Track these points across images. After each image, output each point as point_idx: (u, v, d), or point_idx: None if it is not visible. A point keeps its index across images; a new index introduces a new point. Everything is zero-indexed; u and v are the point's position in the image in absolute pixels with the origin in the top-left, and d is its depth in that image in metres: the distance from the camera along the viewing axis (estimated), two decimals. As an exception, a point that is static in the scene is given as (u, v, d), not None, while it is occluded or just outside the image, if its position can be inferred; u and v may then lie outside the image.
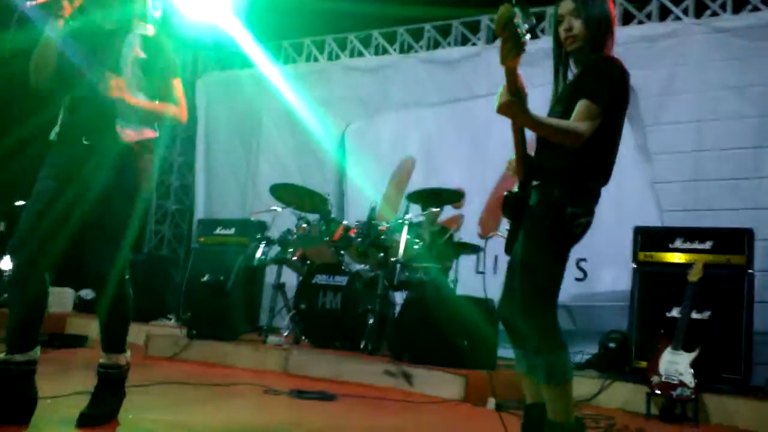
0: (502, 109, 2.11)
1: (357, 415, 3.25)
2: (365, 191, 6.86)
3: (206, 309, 4.96)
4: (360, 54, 7.57)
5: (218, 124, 8.18)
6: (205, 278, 6.21)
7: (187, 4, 6.79)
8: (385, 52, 7.43)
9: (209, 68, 8.50)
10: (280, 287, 4.93)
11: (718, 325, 4.16)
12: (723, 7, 5.74)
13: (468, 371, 3.78)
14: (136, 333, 6.14)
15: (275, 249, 5.15)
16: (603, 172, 2.33)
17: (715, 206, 5.43)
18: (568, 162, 2.28)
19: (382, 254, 4.49)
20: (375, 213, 4.74)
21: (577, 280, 5.58)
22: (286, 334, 4.86)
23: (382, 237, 4.52)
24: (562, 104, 2.34)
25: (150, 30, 2.61)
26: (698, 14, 5.87)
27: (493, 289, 5.56)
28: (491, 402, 3.61)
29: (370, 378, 3.95)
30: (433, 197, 4.66)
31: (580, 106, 2.19)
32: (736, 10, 5.68)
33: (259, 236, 5.24)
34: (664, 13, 6.12)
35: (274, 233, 5.25)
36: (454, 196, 4.93)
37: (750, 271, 4.23)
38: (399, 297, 4.98)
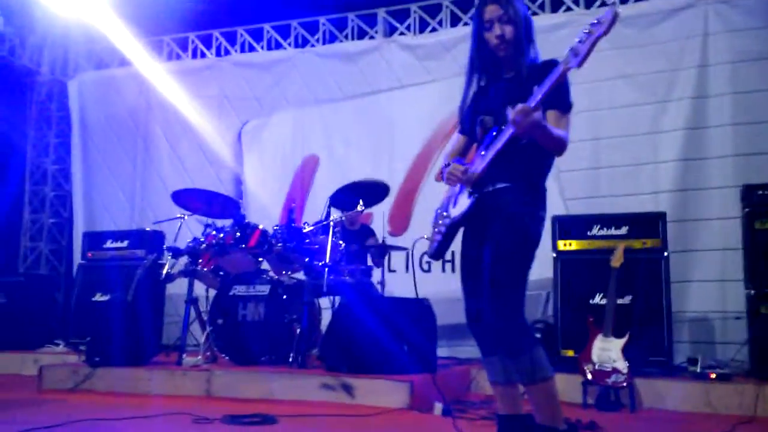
0: (531, 127, 2.08)
1: (305, 437, 3.00)
2: (265, 193, 6.57)
3: (106, 332, 4.45)
4: (252, 49, 7.20)
5: (96, 128, 7.50)
6: (99, 297, 5.70)
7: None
8: (278, 46, 7.11)
9: (83, 68, 7.76)
10: (193, 302, 4.52)
11: (640, 309, 4.27)
12: (613, -3, 5.96)
13: (411, 376, 3.63)
14: (22, 363, 5.52)
15: (182, 261, 4.73)
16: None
17: (615, 192, 5.64)
18: (530, 165, 2.33)
19: (307, 258, 4.22)
20: (294, 215, 4.46)
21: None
22: (203, 353, 4.46)
23: (307, 240, 4.25)
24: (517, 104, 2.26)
25: None
26: (588, 5, 6.06)
27: (422, 287, 5.51)
28: (438, 407, 3.48)
29: (307, 394, 3.70)
30: (359, 194, 4.44)
31: (555, 117, 2.23)
32: (624, 0, 5.92)
33: (165, 247, 4.78)
34: (556, 5, 6.27)
35: (181, 244, 4.81)
36: (381, 189, 4.73)
37: (666, 253, 4.39)
38: (323, 302, 4.73)
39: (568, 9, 6.10)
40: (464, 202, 2.34)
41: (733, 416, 3.55)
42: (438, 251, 2.44)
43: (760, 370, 3.87)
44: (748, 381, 3.81)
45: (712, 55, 5.45)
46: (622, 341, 3.94)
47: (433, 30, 6.50)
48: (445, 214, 2.43)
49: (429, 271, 5.69)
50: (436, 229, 2.44)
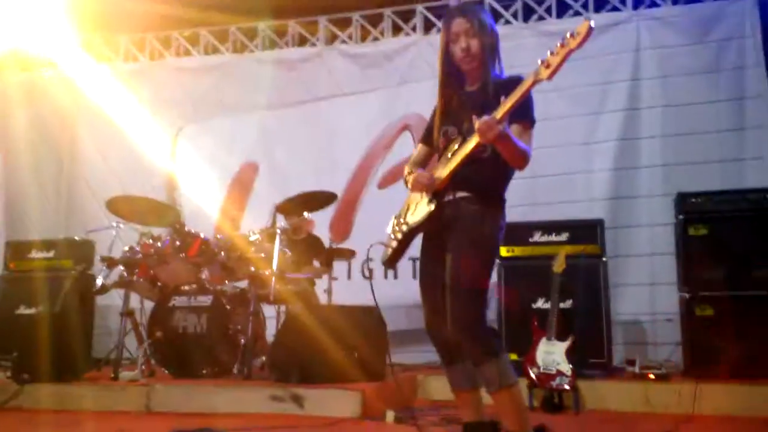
0: (496, 138, 2.09)
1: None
2: (202, 200, 6.39)
3: (33, 346, 4.20)
4: (187, 53, 7.02)
5: (17, 133, 7.08)
6: (23, 310, 5.37)
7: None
8: (215, 51, 6.95)
9: (6, 68, 7.35)
10: (129, 314, 4.32)
11: (581, 313, 4.36)
12: (549, 11, 6.13)
13: (362, 385, 3.58)
14: (-61, 383, 5.12)
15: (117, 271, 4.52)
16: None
17: (551, 200, 5.78)
18: (493, 174, 2.35)
19: (252, 268, 4.11)
20: (239, 222, 4.35)
21: (416, 279, 5.59)
22: (140, 367, 4.26)
23: (252, 249, 4.15)
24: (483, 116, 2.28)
25: None
26: (526, 18, 6.22)
27: (365, 294, 5.42)
28: (390, 415, 3.44)
29: (254, 406, 3.59)
30: (306, 203, 4.37)
31: (519, 131, 2.27)
32: (560, 14, 6.10)
33: (99, 257, 4.55)
34: (494, 18, 6.39)
35: (115, 253, 4.59)
36: (329, 199, 4.66)
37: (604, 259, 4.52)
38: (267, 311, 4.62)
39: (507, 22, 6.24)
40: (423, 209, 2.33)
41: (672, 415, 3.67)
42: (393, 258, 2.43)
43: (696, 369, 4.02)
44: (685, 380, 3.95)
45: (643, 69, 5.69)
46: (565, 344, 4.01)
47: (375, 39, 6.51)
48: (402, 221, 2.42)
49: (371, 278, 5.66)
50: (392, 236, 2.42)
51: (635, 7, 5.91)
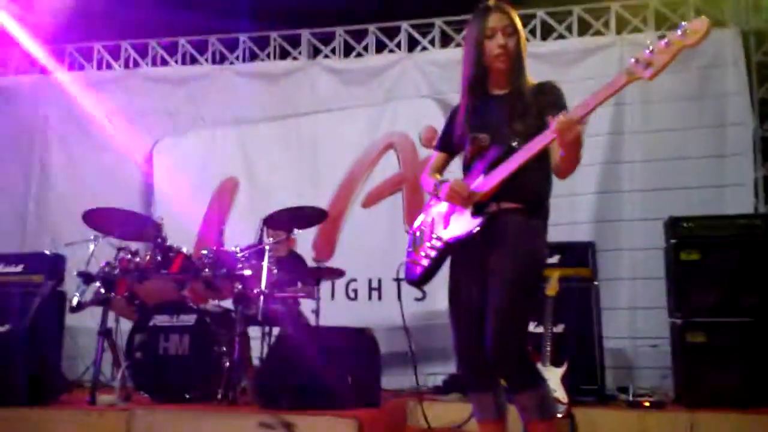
0: (575, 135, 1.99)
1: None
2: (179, 215, 6.17)
3: (2, 366, 3.95)
4: (164, 62, 6.82)
5: (-18, 142, 6.79)
6: (-10, 328, 5.08)
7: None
8: (194, 61, 6.78)
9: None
10: (106, 333, 4.10)
11: (573, 338, 4.32)
12: (533, 32, 6.13)
13: (356, 411, 3.44)
14: None
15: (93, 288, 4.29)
16: None
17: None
18: (541, 183, 2.26)
19: (239, 285, 3.94)
20: (224, 238, 4.18)
21: (417, 299, 5.50)
22: (118, 390, 4.03)
23: (239, 265, 3.98)
24: (522, 122, 2.19)
25: None
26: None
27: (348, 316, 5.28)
28: (386, 443, 3.32)
29: (242, 433, 3.42)
30: (295, 219, 4.22)
31: None
32: (544, 37, 6.12)
33: (75, 273, 4.30)
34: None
35: (92, 268, 4.36)
36: (319, 216, 4.51)
37: (596, 282, 4.49)
38: (252, 332, 4.44)
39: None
40: (466, 222, 2.19)
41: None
42: (424, 276, 2.26)
43: (688, 397, 3.99)
44: (680, 409, 3.92)
45: (627, 94, 5.72)
46: (560, 370, 3.94)
47: (359, 55, 6.44)
48: (434, 236, 2.27)
49: (355, 299, 5.54)
50: (422, 253, 2.27)
51: (618, 31, 5.97)
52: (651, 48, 1.89)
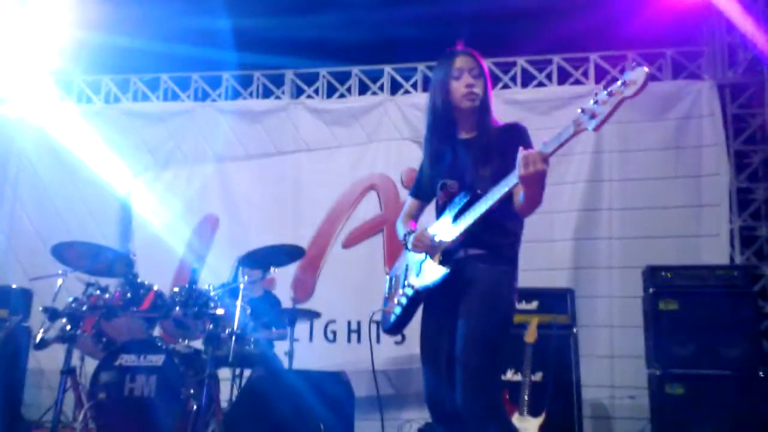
0: (539, 176, 1.93)
1: None
2: (157, 252, 6.05)
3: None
4: (145, 98, 6.79)
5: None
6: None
7: None
8: (175, 97, 6.75)
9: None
10: (69, 372, 3.94)
11: (551, 386, 4.25)
12: (513, 80, 6.22)
13: (328, 459, 3.32)
14: None
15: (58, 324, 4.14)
16: None
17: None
18: (508, 229, 2.23)
19: (210, 325, 3.82)
20: (197, 276, 4.08)
21: (396, 343, 5.40)
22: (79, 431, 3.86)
23: (212, 304, 3.88)
24: (488, 166, 2.17)
25: None
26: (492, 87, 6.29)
27: (326, 358, 5.15)
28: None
29: (208, 481, 3.27)
30: (271, 257, 4.14)
31: None
32: (525, 84, 6.20)
33: (41, 308, 4.15)
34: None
35: (59, 304, 4.22)
36: (296, 254, 4.43)
37: (575, 329, 4.45)
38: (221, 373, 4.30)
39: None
40: (435, 270, 2.17)
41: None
42: (397, 325, 2.24)
43: (667, 449, 3.93)
44: (659, 460, 3.85)
45: (605, 142, 5.78)
46: (539, 420, 3.88)
47: (342, 96, 6.46)
48: (406, 283, 2.24)
49: (334, 341, 5.43)
50: (396, 300, 2.25)
51: (597, 81, 6.07)
52: (596, 98, 1.88)
